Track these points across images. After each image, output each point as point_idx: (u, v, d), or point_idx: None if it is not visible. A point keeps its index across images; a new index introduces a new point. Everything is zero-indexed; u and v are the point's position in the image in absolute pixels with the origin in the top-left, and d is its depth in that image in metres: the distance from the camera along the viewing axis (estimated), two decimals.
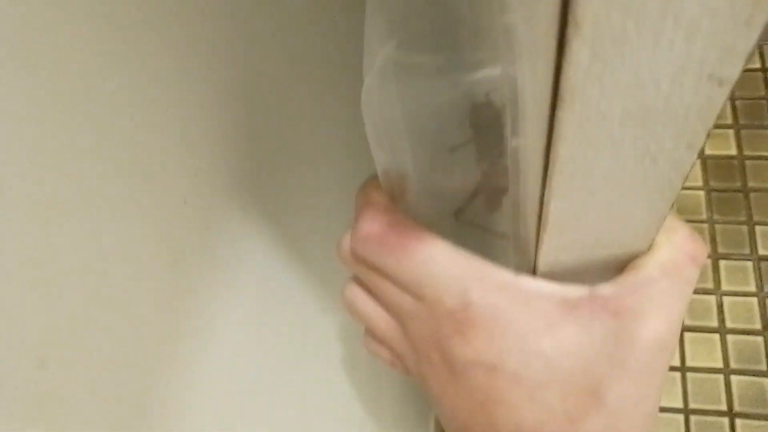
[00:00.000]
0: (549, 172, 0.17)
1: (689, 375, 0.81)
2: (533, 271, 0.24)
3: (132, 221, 0.23)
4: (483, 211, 0.28)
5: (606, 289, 0.22)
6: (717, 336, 0.82)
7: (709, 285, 0.83)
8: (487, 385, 0.22)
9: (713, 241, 0.85)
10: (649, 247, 0.22)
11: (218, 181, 0.28)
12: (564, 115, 0.15)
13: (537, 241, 0.21)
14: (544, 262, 0.22)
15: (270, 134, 0.34)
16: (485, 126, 0.24)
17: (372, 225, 0.24)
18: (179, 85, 0.25)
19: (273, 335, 0.34)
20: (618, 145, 0.16)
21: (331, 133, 0.44)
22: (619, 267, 0.23)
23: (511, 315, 0.22)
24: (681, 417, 0.79)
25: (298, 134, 0.37)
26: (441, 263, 0.23)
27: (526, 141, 0.19)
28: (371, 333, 0.28)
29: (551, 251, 0.21)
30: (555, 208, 0.19)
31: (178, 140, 0.25)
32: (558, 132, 0.15)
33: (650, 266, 0.22)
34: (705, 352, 0.81)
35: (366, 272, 0.25)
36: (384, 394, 0.58)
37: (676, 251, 0.22)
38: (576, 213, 0.19)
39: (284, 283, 0.35)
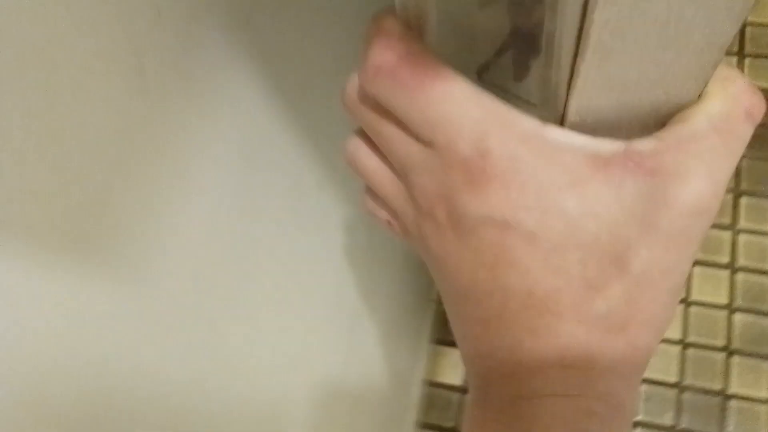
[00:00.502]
0: None
1: (692, 309, 0.79)
2: (561, 122, 0.21)
3: (97, 33, 0.20)
4: (509, 73, 0.25)
5: (644, 144, 0.19)
6: (726, 272, 0.80)
7: (726, 220, 0.80)
8: (499, 245, 0.20)
9: (737, 175, 0.82)
10: (699, 96, 0.19)
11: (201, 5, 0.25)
12: None
13: (571, 79, 0.18)
14: (576, 106, 0.19)
15: None
16: None
17: (384, 55, 0.20)
18: None
19: (256, 194, 0.31)
20: None
21: None
22: (660, 121, 0.20)
23: (533, 168, 0.19)
24: (677, 349, 0.78)
25: None
26: (459, 102, 0.20)
27: None
28: (372, 191, 0.25)
29: (587, 89, 0.18)
30: (601, 19, 0.15)
31: None
32: None
33: (698, 118, 0.19)
34: (711, 287, 0.79)
35: (372, 119, 0.22)
36: (380, 276, 0.56)
37: (731, 103, 0.19)
38: (626, 27, 0.16)
39: (272, 132, 0.32)
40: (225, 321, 0.31)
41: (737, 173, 0.81)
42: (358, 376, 0.55)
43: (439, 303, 0.85)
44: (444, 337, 0.84)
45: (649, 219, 0.19)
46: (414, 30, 0.22)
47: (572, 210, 0.19)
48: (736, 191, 0.80)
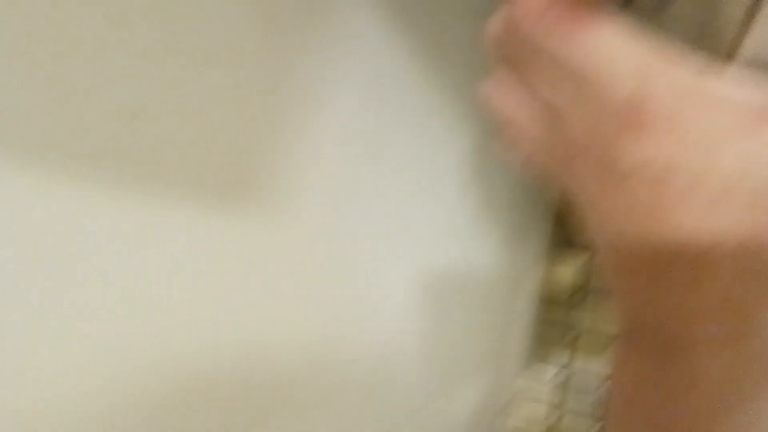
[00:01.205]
0: None
1: None
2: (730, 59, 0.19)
3: None
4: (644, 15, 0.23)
5: None
6: None
7: None
8: (658, 189, 0.19)
9: None
10: None
11: None
12: None
13: (746, 20, 0.17)
14: (753, 42, 0.18)
15: None
16: None
17: None
18: None
19: (384, 115, 0.32)
20: None
21: None
22: None
23: (697, 114, 0.18)
24: None
25: None
26: (616, 47, 0.19)
27: None
28: (510, 131, 0.25)
29: (763, 34, 0.17)
30: None
31: None
32: None
33: None
34: None
35: (518, 58, 0.22)
36: (499, 189, 0.57)
37: None
38: None
39: (399, 57, 0.32)
40: (357, 247, 0.33)
41: None
42: (478, 279, 0.57)
43: (558, 206, 0.84)
44: (561, 241, 0.84)
45: None
46: None
47: (737, 159, 0.18)
48: None
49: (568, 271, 0.81)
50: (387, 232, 0.37)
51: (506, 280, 0.64)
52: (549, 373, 0.80)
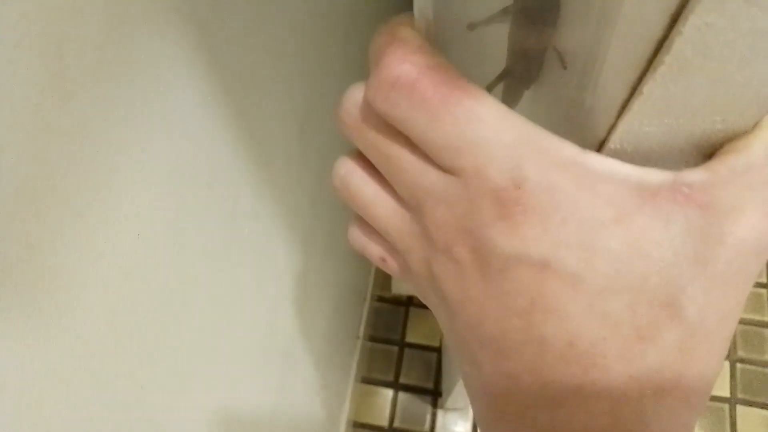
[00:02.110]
0: None
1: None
2: (596, 150, 0.19)
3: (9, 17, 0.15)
4: (508, 95, 0.22)
5: (694, 175, 0.17)
6: None
7: None
8: (535, 288, 0.17)
9: None
10: (755, 126, 0.17)
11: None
12: None
13: (627, 98, 0.16)
14: (621, 133, 0.17)
15: None
16: None
17: (402, 66, 0.17)
18: None
19: (187, 221, 0.27)
20: None
21: None
22: (706, 150, 0.18)
23: (574, 200, 0.17)
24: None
25: None
26: (491, 125, 0.17)
27: None
28: (364, 222, 0.22)
29: (641, 114, 0.16)
30: (693, 25, 0.13)
31: None
32: None
33: (755, 149, 0.17)
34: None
35: (378, 139, 0.19)
36: (312, 312, 0.52)
37: None
38: (715, 40, 0.14)
39: (208, 151, 0.28)
40: (147, 370, 0.26)
41: None
42: (288, 419, 0.50)
43: (366, 340, 0.82)
44: (369, 376, 0.81)
45: (702, 258, 0.17)
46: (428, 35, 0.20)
47: (618, 248, 0.17)
48: None
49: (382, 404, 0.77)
50: (188, 358, 0.30)
51: (320, 414, 0.59)
52: None
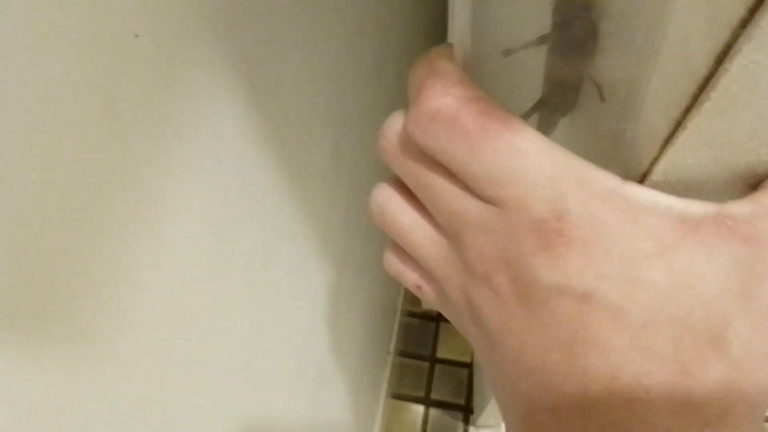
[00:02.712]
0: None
1: None
2: (639, 181, 0.18)
3: (62, 62, 0.16)
4: (543, 124, 0.22)
5: (738, 207, 0.17)
6: None
7: None
8: (577, 320, 0.17)
9: None
10: None
11: (182, 17, 0.21)
12: None
13: (671, 133, 0.16)
14: (665, 165, 0.17)
15: (270, 10, 0.27)
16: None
17: (442, 99, 0.18)
18: None
19: (227, 250, 0.27)
20: None
21: None
22: (751, 182, 0.18)
23: (616, 232, 0.17)
24: None
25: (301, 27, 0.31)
26: (532, 157, 0.17)
27: None
28: (402, 248, 0.22)
29: (685, 147, 0.16)
30: (739, 66, 0.13)
31: None
32: None
33: None
34: None
35: (416, 169, 0.19)
36: (345, 331, 0.52)
37: None
38: (759, 77, 0.14)
39: (249, 180, 0.28)
40: (189, 391, 0.27)
41: None
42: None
43: (397, 355, 0.81)
44: (400, 392, 0.81)
45: (747, 292, 0.17)
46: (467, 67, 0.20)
47: (661, 281, 0.17)
48: None
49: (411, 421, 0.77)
50: (226, 377, 0.31)
51: (352, 429, 0.59)
52: None
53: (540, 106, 0.21)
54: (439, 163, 0.19)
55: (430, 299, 0.22)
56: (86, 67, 0.17)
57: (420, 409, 0.82)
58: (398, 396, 0.81)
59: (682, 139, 0.16)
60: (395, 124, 0.20)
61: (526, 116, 0.21)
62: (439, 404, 0.83)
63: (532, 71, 0.20)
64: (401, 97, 0.19)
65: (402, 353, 0.82)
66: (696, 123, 0.15)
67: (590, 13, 0.18)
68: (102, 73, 0.17)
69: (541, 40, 0.19)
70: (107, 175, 0.19)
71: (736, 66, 0.13)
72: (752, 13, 0.12)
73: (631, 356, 0.17)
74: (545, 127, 0.22)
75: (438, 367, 0.83)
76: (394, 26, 0.46)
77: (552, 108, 0.22)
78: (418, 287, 0.22)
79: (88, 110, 0.17)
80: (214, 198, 0.24)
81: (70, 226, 0.18)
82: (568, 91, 0.21)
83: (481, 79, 0.20)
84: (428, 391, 0.82)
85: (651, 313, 0.17)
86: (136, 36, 0.18)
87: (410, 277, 0.22)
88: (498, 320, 0.19)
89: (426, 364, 0.82)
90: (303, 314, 0.40)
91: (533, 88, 0.21)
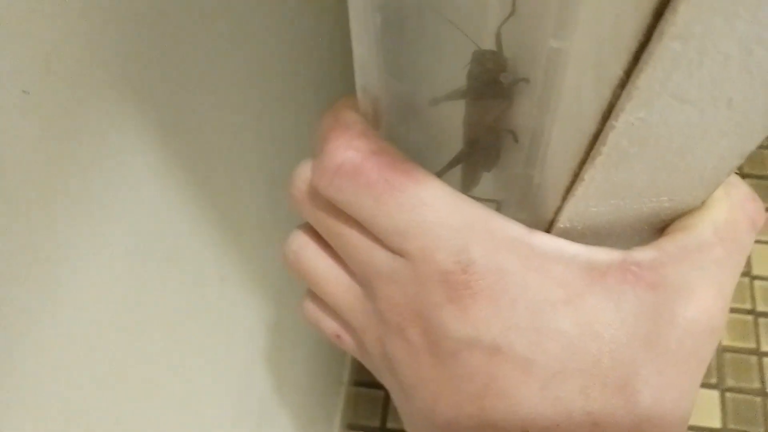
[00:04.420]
0: (642, 58, 0.12)
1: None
2: (547, 228, 0.18)
3: None
4: (461, 186, 0.22)
5: (644, 254, 0.17)
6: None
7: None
8: (487, 372, 0.17)
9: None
10: (703, 204, 0.17)
11: (82, 77, 0.20)
12: None
13: (570, 183, 0.16)
14: (569, 213, 0.17)
15: (177, 36, 0.26)
16: (492, 61, 0.18)
17: (345, 152, 0.17)
18: None
19: (150, 290, 0.26)
20: (763, 14, 0.11)
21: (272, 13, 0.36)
22: (656, 230, 0.18)
23: (523, 282, 0.17)
24: None
25: (223, 43, 0.30)
26: (436, 209, 0.17)
27: (591, 23, 0.13)
28: (318, 297, 0.21)
29: (586, 196, 0.16)
30: (625, 123, 0.13)
31: None
32: None
33: (703, 228, 0.17)
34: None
35: (326, 219, 0.19)
36: (288, 365, 0.51)
37: (736, 211, 0.17)
38: (649, 132, 0.14)
39: (171, 217, 0.27)
40: None
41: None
42: None
43: (351, 385, 0.80)
44: (355, 422, 0.80)
45: (655, 339, 0.17)
46: (371, 116, 0.19)
47: (569, 330, 0.17)
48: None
49: None
50: (159, 410, 0.29)
51: None
52: None
53: (460, 160, 0.21)
54: (348, 214, 0.18)
55: (349, 349, 0.22)
56: None
57: None
58: (353, 427, 0.79)
59: (581, 190, 0.16)
60: (304, 172, 0.19)
61: (445, 170, 0.21)
62: None
63: (458, 120, 0.20)
64: None
65: (356, 383, 0.81)
66: (592, 175, 0.15)
67: (501, 77, 0.18)
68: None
69: (460, 94, 0.19)
70: (4, 232, 0.18)
71: (621, 123, 0.13)
72: (628, 74, 0.12)
73: (540, 409, 0.17)
74: (468, 182, 0.22)
75: None
76: (330, 57, 0.46)
77: (474, 162, 0.21)
78: (337, 337, 0.22)
79: None
80: (126, 249, 0.23)
81: None
82: (487, 146, 0.21)
83: (406, 126, 0.20)
84: (384, 420, 0.81)
85: (560, 362, 0.17)
86: (25, 92, 0.17)
87: (328, 326, 0.22)
88: (412, 372, 0.18)
89: (381, 393, 0.81)
90: (238, 357, 0.39)
91: (457, 135, 0.21)
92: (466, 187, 0.22)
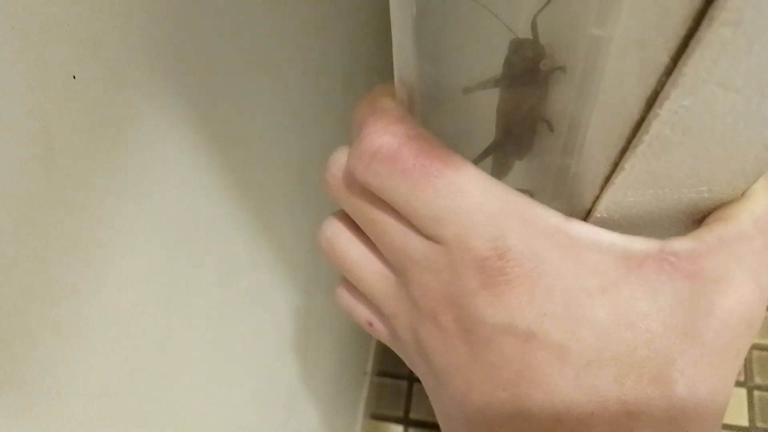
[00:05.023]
0: (690, 45, 0.12)
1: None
2: (584, 218, 0.18)
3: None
4: (491, 173, 0.22)
5: (682, 243, 0.17)
6: None
7: None
8: (521, 359, 0.17)
9: None
10: (743, 195, 0.17)
11: (128, 63, 0.21)
12: None
13: (610, 172, 0.16)
14: (607, 203, 0.17)
15: (218, 28, 0.26)
16: (529, 49, 0.18)
17: (383, 137, 0.17)
18: None
19: (185, 276, 0.27)
20: None
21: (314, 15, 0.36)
22: (694, 221, 0.18)
23: (559, 270, 0.17)
24: None
25: (261, 38, 0.30)
26: (473, 196, 0.17)
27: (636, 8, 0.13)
28: (352, 284, 0.21)
29: (625, 186, 0.16)
30: (669, 112, 0.13)
31: None
32: None
33: (742, 218, 0.17)
34: None
35: (361, 205, 0.19)
36: (315, 353, 0.52)
37: None
38: (693, 121, 0.13)
39: (204, 206, 0.27)
40: (154, 416, 0.26)
41: None
42: None
43: (375, 375, 0.81)
44: (378, 412, 0.80)
45: (691, 330, 0.16)
46: (409, 104, 0.20)
47: (604, 319, 0.17)
48: None
49: None
50: (187, 418, 0.30)
51: None
52: None
53: (493, 149, 0.21)
54: (383, 199, 0.18)
55: (381, 336, 0.22)
56: (23, 109, 0.16)
57: (399, 429, 0.81)
58: (377, 416, 0.80)
59: (620, 179, 0.16)
60: (340, 159, 0.20)
61: (479, 159, 0.21)
62: (419, 424, 0.82)
63: (493, 108, 0.20)
64: None
65: (380, 373, 0.81)
66: (632, 164, 0.15)
67: (541, 65, 0.18)
68: (40, 116, 0.17)
69: (495, 83, 0.19)
70: (48, 219, 0.18)
71: (666, 111, 0.13)
72: (674, 61, 0.12)
73: (575, 397, 0.17)
74: (499, 170, 0.22)
75: (416, 386, 0.83)
76: (361, 47, 0.46)
77: (506, 151, 0.21)
78: (370, 324, 0.22)
79: (27, 153, 0.17)
80: (162, 235, 0.24)
81: (10, 271, 0.17)
82: (521, 135, 0.21)
83: (441, 114, 0.20)
84: (407, 410, 0.82)
85: (594, 351, 0.17)
86: (74, 77, 0.18)
87: (361, 314, 0.22)
88: (445, 359, 0.19)
89: (404, 384, 0.82)
90: (268, 343, 0.40)
91: (491, 124, 0.21)
92: (497, 175, 0.22)
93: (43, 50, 0.16)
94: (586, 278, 0.17)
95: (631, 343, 0.16)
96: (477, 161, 0.21)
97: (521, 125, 0.20)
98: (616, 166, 0.15)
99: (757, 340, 0.84)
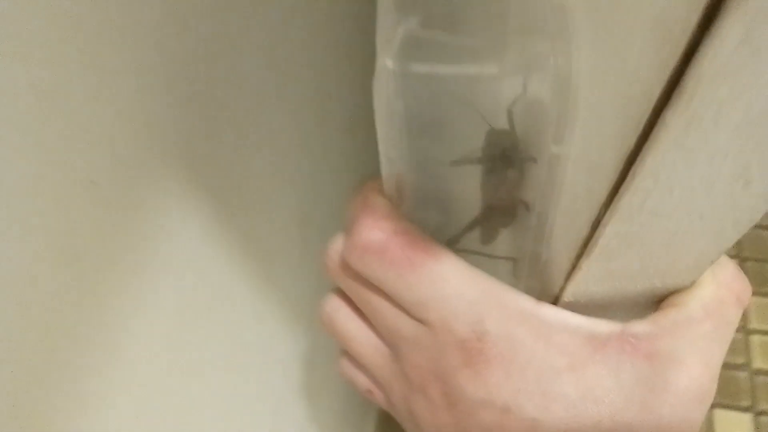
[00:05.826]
0: (622, 188, 0.14)
1: None
2: (554, 300, 0.20)
3: (22, 209, 0.18)
4: (480, 240, 0.24)
5: (640, 327, 0.19)
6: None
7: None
8: (498, 430, 0.19)
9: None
10: (692, 283, 0.19)
11: (141, 157, 0.23)
12: (673, 116, 0.12)
13: (571, 268, 0.18)
14: (572, 291, 0.19)
15: (216, 97, 0.28)
16: (505, 139, 0.20)
17: (372, 232, 0.20)
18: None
19: (197, 341, 0.29)
20: (717, 159, 0.13)
21: (304, 109, 0.39)
22: (652, 303, 0.20)
23: (531, 350, 0.19)
24: None
25: (259, 100, 0.33)
26: (453, 284, 0.19)
27: (582, 147, 0.15)
28: (351, 356, 0.24)
29: (585, 280, 0.18)
30: (612, 231, 0.15)
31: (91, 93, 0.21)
32: (656, 137, 0.12)
33: (692, 304, 0.19)
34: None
35: (356, 287, 0.21)
36: (319, 410, 0.54)
37: (723, 290, 0.19)
38: (634, 238, 0.16)
39: (217, 277, 0.30)
40: None
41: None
42: None
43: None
44: None
45: (649, 405, 0.19)
46: (395, 197, 0.22)
47: (572, 394, 0.19)
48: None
49: None
50: None
51: None
52: None
53: (477, 223, 0.23)
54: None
55: (380, 402, 0.24)
56: (41, 217, 0.19)
57: None
58: None
59: (580, 276, 0.18)
60: (337, 245, 0.22)
61: (465, 232, 0.23)
62: None
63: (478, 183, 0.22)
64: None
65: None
66: (588, 265, 0.17)
67: (514, 154, 0.20)
68: (59, 222, 0.19)
69: (478, 160, 0.21)
70: (67, 312, 0.20)
71: (609, 231, 0.15)
72: (611, 197, 0.14)
73: None
74: (487, 237, 0.24)
75: None
76: (358, 98, 0.48)
77: (492, 223, 0.24)
78: (369, 392, 0.24)
79: (46, 258, 0.19)
80: (173, 302, 0.26)
81: (45, 354, 0.19)
82: (504, 209, 0.23)
83: (430, 182, 0.22)
84: None
85: (564, 423, 0.19)
86: (92, 182, 0.20)
87: (361, 382, 0.24)
88: (433, 427, 0.21)
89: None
90: (275, 392, 0.42)
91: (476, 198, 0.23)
92: (485, 242, 0.24)
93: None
94: (556, 357, 0.19)
95: (596, 416, 0.19)
96: (462, 234, 0.23)
97: (503, 202, 0.22)
98: (574, 266, 0.18)
99: (762, 366, 0.85)
